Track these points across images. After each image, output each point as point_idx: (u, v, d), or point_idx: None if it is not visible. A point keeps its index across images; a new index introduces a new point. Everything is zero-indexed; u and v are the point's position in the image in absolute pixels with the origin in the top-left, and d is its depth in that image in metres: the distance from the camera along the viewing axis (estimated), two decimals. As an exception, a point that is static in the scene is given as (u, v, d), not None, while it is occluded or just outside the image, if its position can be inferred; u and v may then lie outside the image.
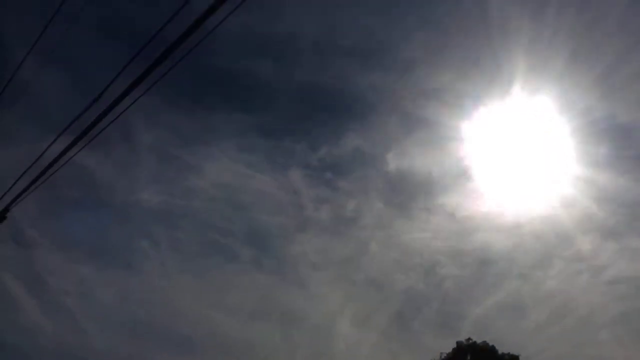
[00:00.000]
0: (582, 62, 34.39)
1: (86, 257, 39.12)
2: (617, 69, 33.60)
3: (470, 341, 32.54)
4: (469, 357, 32.25)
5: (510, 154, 38.37)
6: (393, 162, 41.35)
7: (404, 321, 38.89)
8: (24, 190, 9.36)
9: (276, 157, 42.09)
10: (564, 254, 39.62)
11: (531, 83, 34.31)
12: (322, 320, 39.22)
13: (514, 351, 32.32)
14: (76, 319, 34.97)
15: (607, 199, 37.57)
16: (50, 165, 8.25)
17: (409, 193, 43.29)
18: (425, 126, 40.83)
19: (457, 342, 32.67)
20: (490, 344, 32.32)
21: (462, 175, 42.38)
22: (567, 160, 37.23)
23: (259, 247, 42.34)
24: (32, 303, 35.02)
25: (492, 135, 37.74)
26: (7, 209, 10.53)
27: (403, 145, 41.96)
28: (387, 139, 42.10)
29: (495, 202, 41.59)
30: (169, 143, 40.43)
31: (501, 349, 32.41)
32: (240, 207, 41.81)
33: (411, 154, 41.73)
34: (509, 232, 40.70)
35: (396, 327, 39.06)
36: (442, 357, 33.04)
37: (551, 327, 37.54)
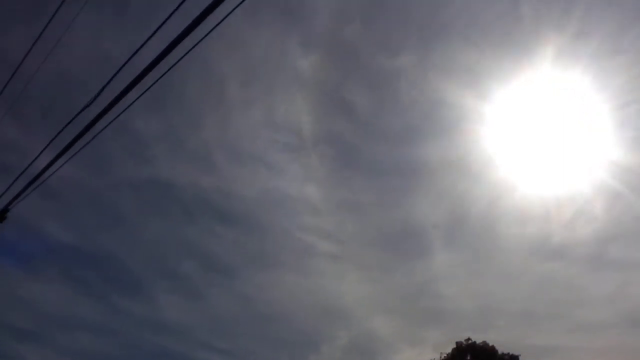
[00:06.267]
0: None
1: None
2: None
3: (470, 341, 32.46)
4: (468, 357, 32.21)
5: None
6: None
7: None
8: (24, 190, 9.45)
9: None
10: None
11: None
12: None
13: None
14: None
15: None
16: (49, 165, 8.33)
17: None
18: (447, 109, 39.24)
19: (457, 342, 32.59)
20: (490, 343, 32.30)
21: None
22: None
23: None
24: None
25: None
26: (7, 209, 10.62)
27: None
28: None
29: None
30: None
31: (501, 348, 32.41)
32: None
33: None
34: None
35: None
36: (442, 357, 33.02)
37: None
